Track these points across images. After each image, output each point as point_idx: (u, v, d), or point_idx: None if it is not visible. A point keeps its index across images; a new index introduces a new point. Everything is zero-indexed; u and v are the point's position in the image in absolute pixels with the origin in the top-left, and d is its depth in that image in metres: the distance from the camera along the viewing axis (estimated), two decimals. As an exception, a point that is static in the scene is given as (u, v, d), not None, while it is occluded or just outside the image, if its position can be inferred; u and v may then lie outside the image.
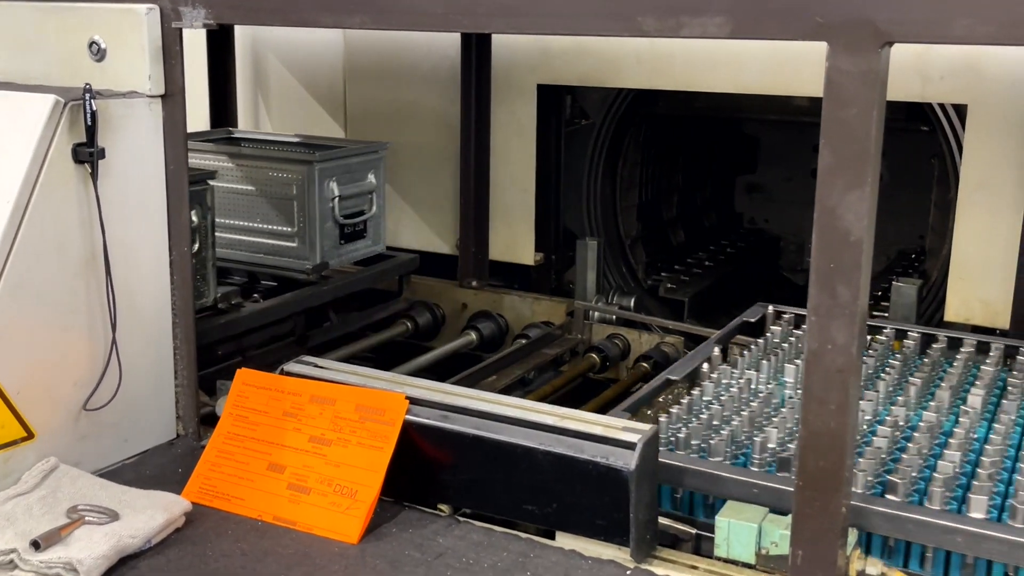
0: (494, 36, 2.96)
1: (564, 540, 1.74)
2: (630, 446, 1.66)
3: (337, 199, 2.69)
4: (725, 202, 4.05)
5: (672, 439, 1.88)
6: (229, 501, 1.84)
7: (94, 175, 1.90)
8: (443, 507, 1.84)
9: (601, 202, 3.44)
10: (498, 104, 3.04)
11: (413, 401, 1.84)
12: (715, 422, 1.94)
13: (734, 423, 1.91)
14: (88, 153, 1.89)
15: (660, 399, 2.13)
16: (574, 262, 3.09)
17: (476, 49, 2.96)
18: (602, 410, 2.00)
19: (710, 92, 2.83)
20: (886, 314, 2.72)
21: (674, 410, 1.98)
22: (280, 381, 1.95)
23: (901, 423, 1.96)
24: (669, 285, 3.47)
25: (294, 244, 2.66)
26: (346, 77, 3.25)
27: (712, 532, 1.72)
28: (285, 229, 2.62)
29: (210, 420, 2.09)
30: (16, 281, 1.81)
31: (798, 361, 2.19)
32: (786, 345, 2.35)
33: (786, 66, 2.64)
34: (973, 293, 2.53)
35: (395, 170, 3.24)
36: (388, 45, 3.14)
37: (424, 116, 3.15)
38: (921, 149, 3.09)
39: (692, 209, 3.94)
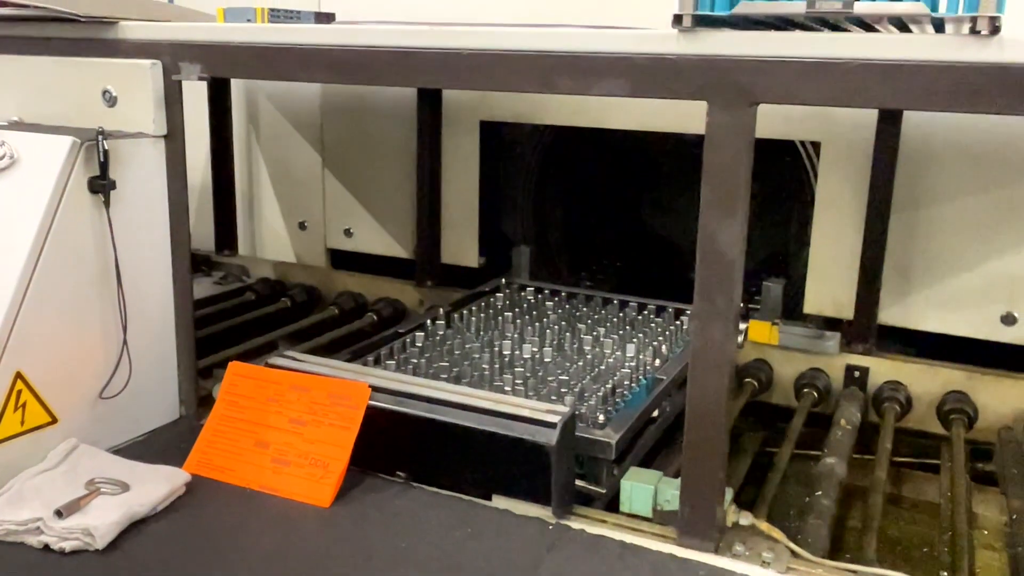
0: (443, 82, 2.92)
1: (499, 501, 1.73)
2: (552, 425, 1.65)
3: None
4: (633, 215, 4.04)
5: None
6: (222, 472, 1.80)
7: (107, 203, 1.84)
8: (400, 474, 1.81)
9: (532, 215, 3.41)
10: (447, 137, 2.99)
11: (375, 389, 1.80)
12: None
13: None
14: (101, 184, 1.82)
15: (385, 348, 2.19)
16: (511, 264, 3.06)
17: (429, 92, 2.91)
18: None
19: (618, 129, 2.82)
20: (759, 307, 2.74)
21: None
22: (265, 372, 1.90)
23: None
24: (588, 283, 3.46)
25: None
26: (323, 115, 3.18)
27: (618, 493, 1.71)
28: None
29: (207, 402, 2.04)
30: (40, 291, 1.74)
31: (499, 318, 2.47)
32: (500, 306, 2.58)
33: (679, 107, 2.63)
34: (826, 291, 2.56)
35: (362, 190, 3.18)
36: (356, 89, 3.08)
37: (386, 146, 3.10)
38: (787, 175, 3.10)
39: (606, 220, 3.93)
